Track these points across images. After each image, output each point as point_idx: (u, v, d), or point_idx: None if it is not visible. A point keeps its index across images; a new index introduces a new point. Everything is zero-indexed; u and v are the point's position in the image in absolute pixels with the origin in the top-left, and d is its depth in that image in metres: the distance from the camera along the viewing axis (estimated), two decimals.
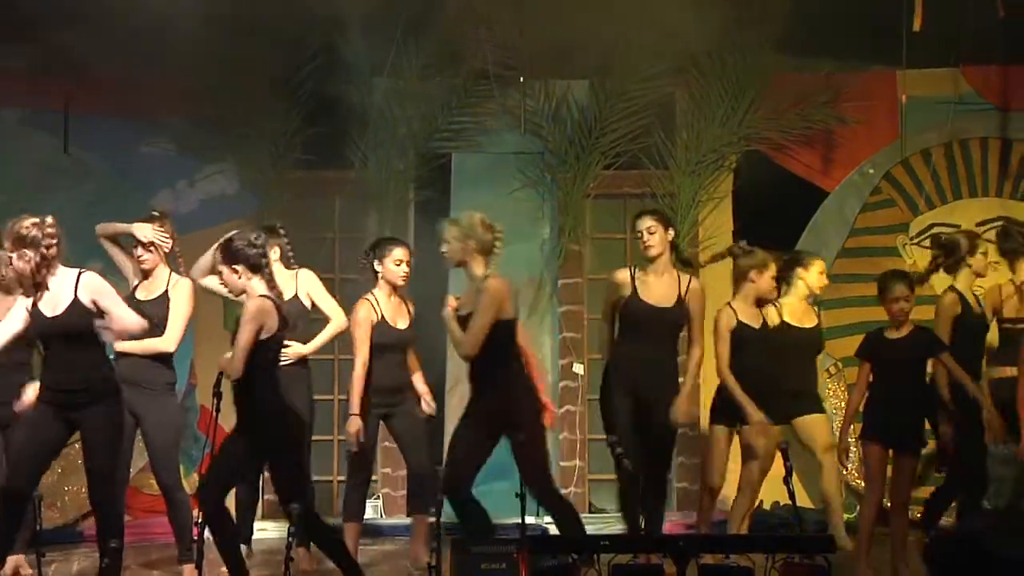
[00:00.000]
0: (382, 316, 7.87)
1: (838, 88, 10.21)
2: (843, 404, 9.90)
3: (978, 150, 10.30)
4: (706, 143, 10.22)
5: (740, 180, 10.31)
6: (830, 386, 10.06)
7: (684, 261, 7.81)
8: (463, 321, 7.10)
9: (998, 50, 10.00)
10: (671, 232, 7.72)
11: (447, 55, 10.03)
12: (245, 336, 6.65)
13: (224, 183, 10.09)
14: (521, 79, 10.08)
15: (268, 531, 9.10)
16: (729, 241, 10.30)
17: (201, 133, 9.85)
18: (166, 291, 7.66)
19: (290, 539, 6.11)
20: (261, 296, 6.76)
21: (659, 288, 7.65)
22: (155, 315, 7.58)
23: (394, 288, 7.91)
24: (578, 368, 10.15)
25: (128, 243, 7.81)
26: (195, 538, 6.79)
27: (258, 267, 6.81)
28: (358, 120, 10.04)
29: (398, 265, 7.89)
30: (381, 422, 7.96)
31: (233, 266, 6.81)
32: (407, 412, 7.99)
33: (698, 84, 10.21)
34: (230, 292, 7.07)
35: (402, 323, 7.93)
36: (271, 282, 6.87)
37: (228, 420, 6.96)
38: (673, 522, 9.34)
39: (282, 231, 8.24)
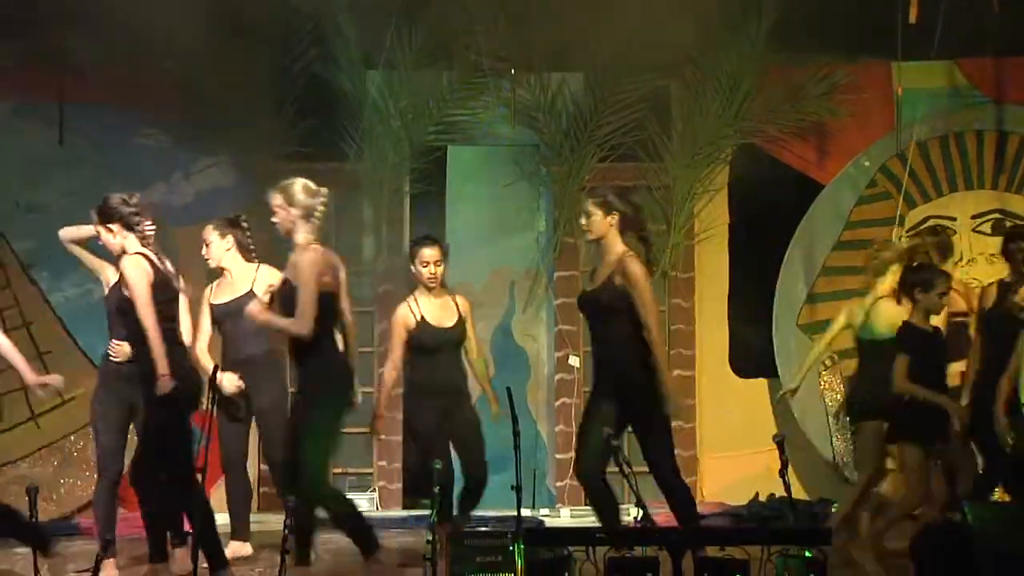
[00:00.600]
0: (422, 317, 7.77)
1: (833, 81, 10.21)
2: (839, 397, 9.91)
3: (973, 142, 10.30)
4: (701, 136, 10.22)
5: (735, 173, 10.31)
6: (825, 379, 10.05)
7: (643, 239, 7.31)
8: (288, 300, 6.91)
9: (993, 42, 10.02)
10: (614, 216, 7.18)
11: (441, 47, 10.02)
12: (144, 293, 6.66)
13: (219, 176, 10.06)
14: (512, 71, 10.07)
15: (266, 523, 9.10)
16: (725, 234, 10.33)
17: (196, 126, 9.83)
18: None
19: (286, 531, 6.10)
20: (137, 253, 6.78)
21: (597, 272, 7.31)
22: None
23: (430, 289, 7.81)
24: (574, 360, 10.15)
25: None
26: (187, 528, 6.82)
27: (131, 225, 6.84)
28: (352, 113, 10.03)
29: (425, 266, 7.79)
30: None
31: (108, 225, 6.86)
32: (462, 414, 7.86)
33: (693, 77, 10.21)
34: (112, 252, 7.05)
35: (448, 322, 7.81)
36: (145, 239, 6.90)
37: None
38: (668, 515, 9.35)
39: (245, 224, 8.17)
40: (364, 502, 9.79)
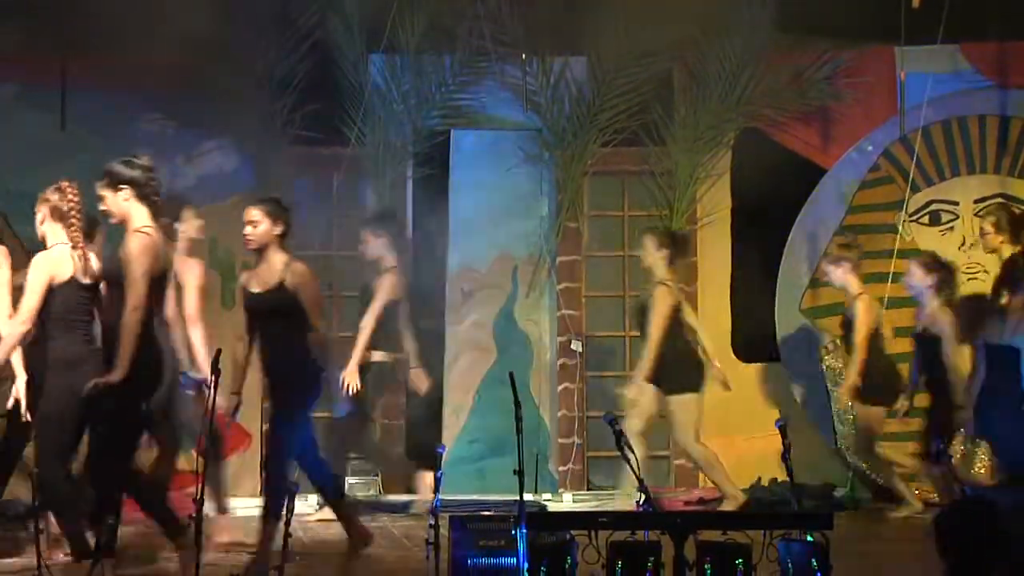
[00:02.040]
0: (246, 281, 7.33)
1: (837, 65, 10.20)
2: (841, 380, 9.90)
3: (976, 127, 10.29)
4: (704, 120, 10.21)
5: (738, 157, 10.30)
6: (828, 362, 10.05)
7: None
8: None
9: (997, 27, 10.01)
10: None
11: (444, 31, 10.00)
12: None
13: (222, 159, 10.06)
14: (523, 56, 10.06)
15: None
16: (728, 219, 10.32)
17: (199, 109, 9.81)
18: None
19: (288, 514, 6.11)
20: None
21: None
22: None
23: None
24: (576, 345, 10.15)
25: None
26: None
27: None
28: (354, 96, 10.01)
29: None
30: None
31: None
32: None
33: (696, 61, 10.20)
34: None
35: (257, 286, 7.12)
36: None
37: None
38: (671, 499, 9.38)
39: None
40: (368, 486, 9.80)
